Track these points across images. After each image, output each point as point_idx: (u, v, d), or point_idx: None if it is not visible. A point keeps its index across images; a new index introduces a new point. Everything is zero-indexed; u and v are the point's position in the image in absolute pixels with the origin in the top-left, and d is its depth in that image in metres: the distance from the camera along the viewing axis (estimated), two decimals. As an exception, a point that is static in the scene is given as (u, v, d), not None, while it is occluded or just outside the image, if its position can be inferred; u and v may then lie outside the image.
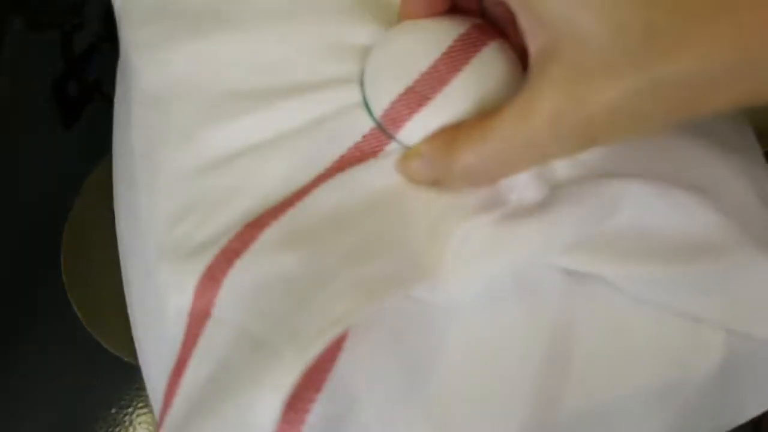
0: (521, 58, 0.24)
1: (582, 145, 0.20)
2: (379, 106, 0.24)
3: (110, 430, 0.35)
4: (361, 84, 0.25)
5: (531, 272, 0.23)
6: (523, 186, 0.23)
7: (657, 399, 0.23)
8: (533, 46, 0.20)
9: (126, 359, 0.34)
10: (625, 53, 0.17)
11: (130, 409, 0.35)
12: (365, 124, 0.25)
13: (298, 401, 0.20)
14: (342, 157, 0.24)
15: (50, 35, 0.43)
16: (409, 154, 0.23)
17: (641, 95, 0.18)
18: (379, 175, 0.24)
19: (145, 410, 0.35)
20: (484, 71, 0.24)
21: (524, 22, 0.20)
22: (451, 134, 0.22)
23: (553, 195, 0.23)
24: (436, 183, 0.23)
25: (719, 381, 0.24)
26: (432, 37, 0.24)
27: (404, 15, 0.25)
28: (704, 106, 0.18)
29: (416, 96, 0.24)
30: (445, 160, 0.22)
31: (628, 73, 0.17)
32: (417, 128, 0.24)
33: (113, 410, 0.35)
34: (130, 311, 0.28)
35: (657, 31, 0.17)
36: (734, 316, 0.24)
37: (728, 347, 0.24)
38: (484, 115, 0.21)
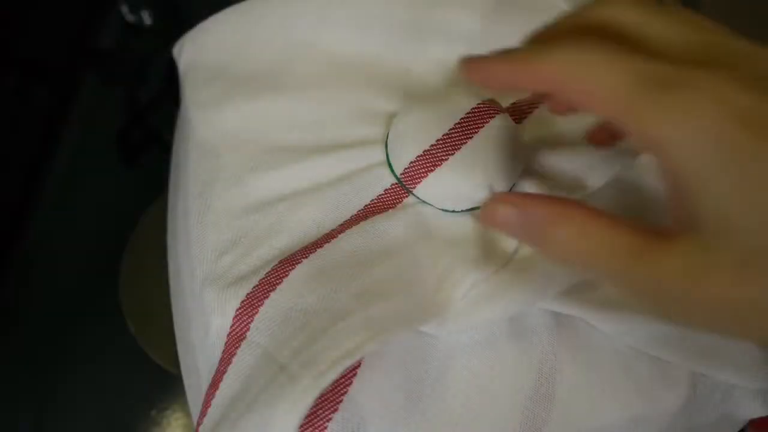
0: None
1: (671, 316, 0.18)
2: (400, 164, 0.25)
3: (149, 429, 0.34)
4: (385, 145, 0.26)
5: (524, 315, 0.24)
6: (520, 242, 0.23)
7: (628, 429, 0.23)
8: (684, 208, 0.17)
9: (168, 369, 0.35)
10: None
11: (168, 412, 0.35)
12: (387, 180, 0.25)
13: (317, 420, 0.21)
14: (366, 207, 0.25)
15: (118, 90, 0.44)
16: (502, 199, 0.20)
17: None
18: (397, 224, 0.24)
19: (180, 414, 0.35)
20: (490, 140, 0.24)
21: (671, 196, 0.17)
22: (562, 205, 0.18)
23: None
24: (513, 235, 0.20)
25: (685, 414, 0.24)
26: (447, 109, 0.25)
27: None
28: None
29: (432, 158, 0.24)
30: (541, 226, 0.18)
31: (764, 283, 0.15)
32: (431, 185, 0.24)
33: (153, 412, 0.35)
34: (176, 328, 0.29)
35: None
36: (696, 359, 0.24)
37: (692, 384, 0.24)
38: (608, 216, 0.18)
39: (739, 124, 0.15)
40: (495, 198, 0.20)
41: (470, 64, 0.20)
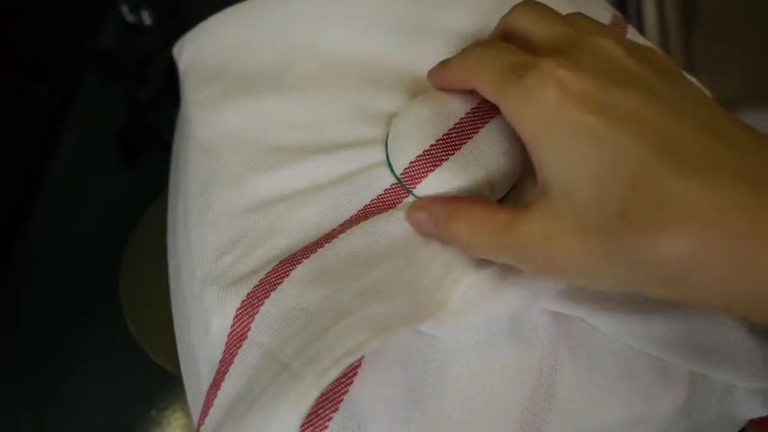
0: None
1: (539, 273, 0.20)
2: (400, 164, 0.25)
3: (149, 429, 0.34)
4: (385, 145, 0.26)
5: (524, 315, 0.24)
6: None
7: (628, 429, 0.23)
8: (539, 178, 0.20)
9: (168, 369, 0.35)
10: (598, 222, 0.18)
11: (168, 412, 0.35)
12: (387, 180, 0.25)
13: (318, 419, 0.21)
14: (366, 207, 0.25)
15: (118, 90, 0.44)
16: (418, 205, 0.24)
17: (600, 260, 0.18)
18: (397, 225, 0.24)
19: (180, 414, 0.35)
20: (490, 140, 0.24)
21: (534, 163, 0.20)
22: (456, 202, 0.22)
23: None
24: (431, 234, 0.23)
25: (685, 414, 0.24)
26: (448, 109, 0.25)
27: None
28: (654, 292, 0.18)
29: (432, 158, 0.24)
30: (444, 222, 0.22)
31: (593, 237, 0.18)
32: (431, 185, 0.24)
33: (153, 412, 0.35)
34: (176, 329, 0.29)
35: (630, 214, 0.17)
36: (696, 359, 0.23)
37: (692, 384, 0.24)
38: (490, 204, 0.22)
39: (574, 103, 0.18)
40: (413, 205, 0.24)
41: (429, 72, 0.25)
